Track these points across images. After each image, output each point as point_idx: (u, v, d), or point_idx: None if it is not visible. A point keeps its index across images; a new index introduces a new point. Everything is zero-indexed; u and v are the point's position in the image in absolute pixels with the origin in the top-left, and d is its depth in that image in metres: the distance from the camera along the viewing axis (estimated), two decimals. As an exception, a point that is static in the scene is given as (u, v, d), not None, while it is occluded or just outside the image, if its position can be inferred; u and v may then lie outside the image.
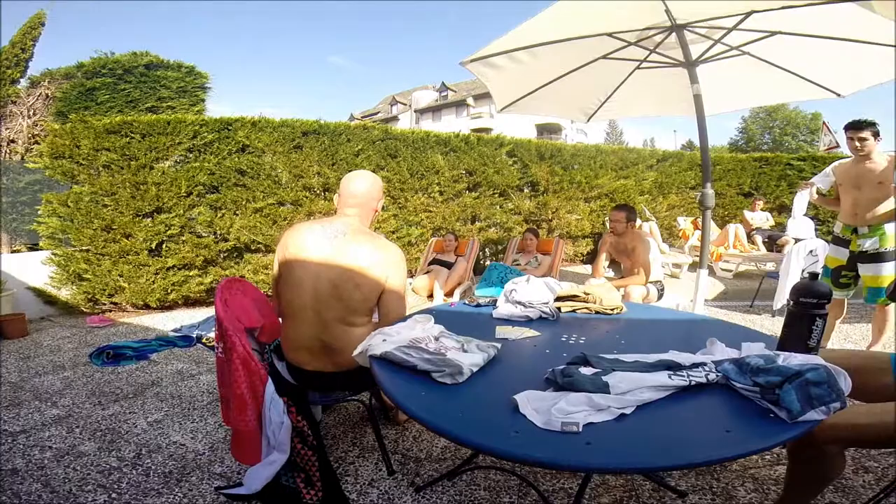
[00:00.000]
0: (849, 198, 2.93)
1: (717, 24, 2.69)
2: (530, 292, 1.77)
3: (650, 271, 3.19)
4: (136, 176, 4.31)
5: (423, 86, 46.15)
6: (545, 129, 39.00)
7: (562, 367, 1.08)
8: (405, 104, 45.23)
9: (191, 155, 4.58)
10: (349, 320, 1.64)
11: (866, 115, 2.80)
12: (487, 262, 5.89)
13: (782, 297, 4.18)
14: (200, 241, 4.62)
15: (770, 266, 5.19)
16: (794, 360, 0.96)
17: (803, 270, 4.08)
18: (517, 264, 4.50)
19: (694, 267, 6.05)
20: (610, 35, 2.84)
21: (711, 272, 5.78)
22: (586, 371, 1.06)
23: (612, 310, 1.77)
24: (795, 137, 37.59)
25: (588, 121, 4.15)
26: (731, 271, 5.50)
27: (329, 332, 1.62)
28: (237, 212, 4.74)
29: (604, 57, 3.13)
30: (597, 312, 1.77)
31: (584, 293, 1.80)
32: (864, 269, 2.86)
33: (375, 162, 5.40)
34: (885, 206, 2.76)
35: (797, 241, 4.51)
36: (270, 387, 1.53)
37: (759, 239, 5.75)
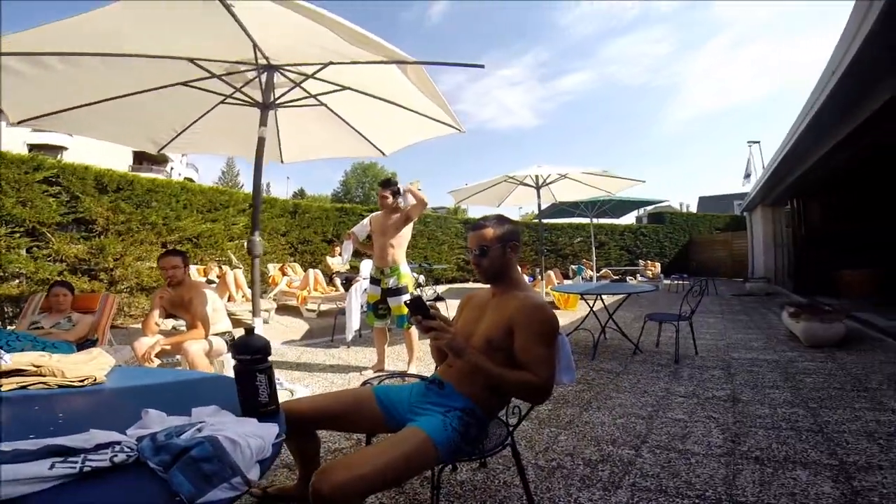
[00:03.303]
0: (377, 243, 3.63)
1: (305, 72, 2.76)
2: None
3: (209, 324, 2.89)
4: None
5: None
6: (146, 159, 33.44)
7: None
8: None
9: None
10: None
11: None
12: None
13: (351, 330, 4.82)
14: None
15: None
16: (206, 430, 0.86)
17: (361, 305, 4.84)
18: (38, 327, 3.24)
19: (281, 311, 6.25)
20: (191, 61, 2.55)
21: (298, 314, 6.11)
22: None
23: (81, 381, 1.32)
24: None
25: (158, 152, 3.67)
26: (314, 311, 5.98)
27: None
28: None
29: (184, 84, 2.80)
30: (60, 386, 1.30)
31: (36, 366, 1.28)
32: (392, 301, 3.56)
33: None
34: (400, 250, 3.57)
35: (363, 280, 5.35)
36: None
37: (338, 281, 6.57)
